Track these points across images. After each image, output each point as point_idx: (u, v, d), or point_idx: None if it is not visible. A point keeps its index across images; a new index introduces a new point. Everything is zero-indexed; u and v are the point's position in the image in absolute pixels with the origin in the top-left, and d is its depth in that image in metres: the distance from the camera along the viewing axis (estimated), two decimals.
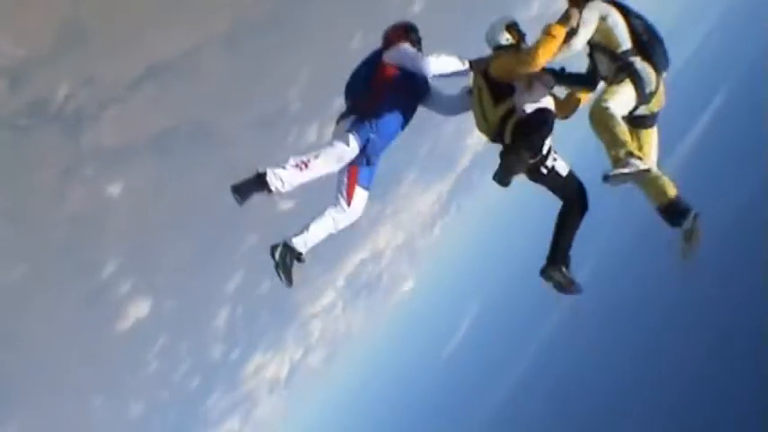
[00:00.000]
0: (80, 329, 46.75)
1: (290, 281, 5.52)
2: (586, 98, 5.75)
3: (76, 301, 45.57)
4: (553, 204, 5.65)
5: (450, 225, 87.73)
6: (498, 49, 5.63)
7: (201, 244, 51.55)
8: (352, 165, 5.60)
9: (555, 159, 5.60)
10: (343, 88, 5.90)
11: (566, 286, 5.73)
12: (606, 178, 5.12)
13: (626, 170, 5.08)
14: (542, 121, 5.42)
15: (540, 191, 5.58)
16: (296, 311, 67.01)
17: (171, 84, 38.39)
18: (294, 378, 70.64)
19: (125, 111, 37.30)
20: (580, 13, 5.34)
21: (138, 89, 36.58)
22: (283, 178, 5.41)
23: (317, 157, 5.50)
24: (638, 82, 5.28)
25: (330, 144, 5.60)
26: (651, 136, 5.63)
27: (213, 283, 55.18)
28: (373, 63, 5.89)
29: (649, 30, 5.52)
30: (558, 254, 5.76)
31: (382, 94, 5.76)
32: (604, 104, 5.20)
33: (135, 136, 39.50)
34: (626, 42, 5.39)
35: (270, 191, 5.45)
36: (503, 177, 5.29)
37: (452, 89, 5.81)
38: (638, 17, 5.58)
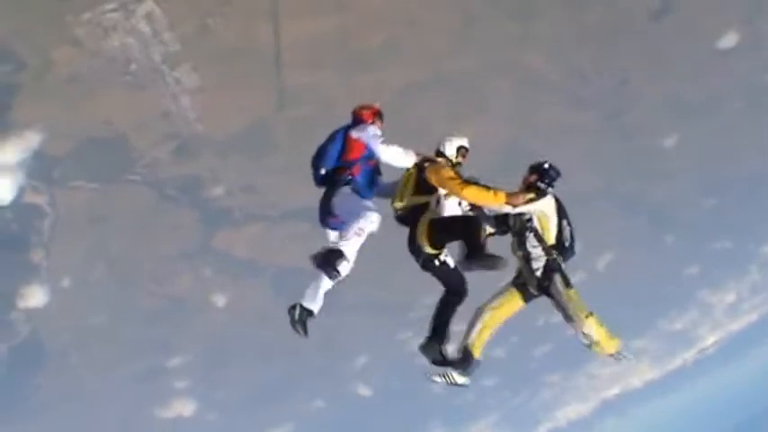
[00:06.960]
0: (126, 393, 44.39)
1: (305, 332, 7.34)
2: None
3: (136, 367, 43.50)
4: None
5: None
6: (439, 155, 7.77)
7: (279, 385, 49.48)
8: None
9: (446, 255, 7.46)
10: None
11: (437, 358, 7.69)
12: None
13: None
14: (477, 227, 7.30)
15: None
16: None
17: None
18: None
19: (269, 233, 35.45)
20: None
21: (293, 224, 34.58)
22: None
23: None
24: None
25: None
26: None
27: (259, 426, 53.19)
28: (341, 138, 7.53)
29: None
30: (439, 331, 7.67)
31: (354, 165, 7.39)
32: None
33: (266, 263, 38.11)
34: None
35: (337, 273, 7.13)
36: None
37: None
38: None
